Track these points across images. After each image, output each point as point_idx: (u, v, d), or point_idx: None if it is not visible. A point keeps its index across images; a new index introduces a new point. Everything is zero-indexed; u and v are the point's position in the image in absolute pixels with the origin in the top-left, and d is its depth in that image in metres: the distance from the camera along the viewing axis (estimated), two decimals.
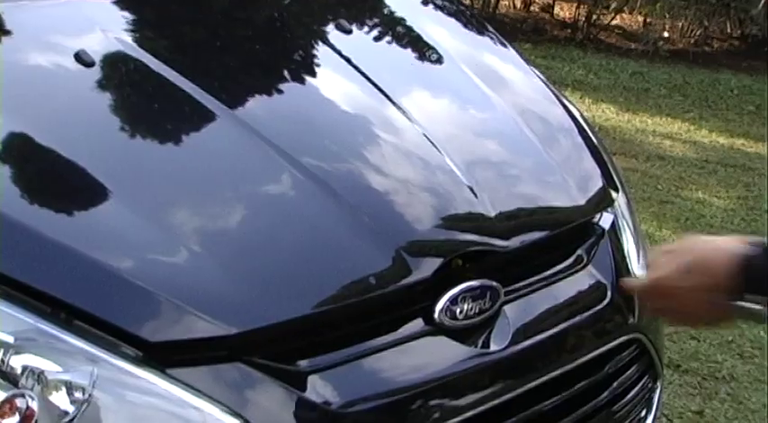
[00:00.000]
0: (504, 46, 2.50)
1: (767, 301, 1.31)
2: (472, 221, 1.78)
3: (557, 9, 7.62)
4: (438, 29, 2.45)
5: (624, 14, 7.66)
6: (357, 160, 1.84)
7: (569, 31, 7.28)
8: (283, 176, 1.72)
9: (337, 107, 2.05)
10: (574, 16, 7.40)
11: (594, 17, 7.28)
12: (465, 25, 2.70)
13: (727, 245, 1.32)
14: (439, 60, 2.31)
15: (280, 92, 2.15)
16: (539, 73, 2.45)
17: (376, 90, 2.04)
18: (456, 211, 1.82)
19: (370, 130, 1.99)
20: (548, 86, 2.38)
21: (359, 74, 2.08)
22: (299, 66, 2.28)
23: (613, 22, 7.52)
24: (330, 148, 1.87)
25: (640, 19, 7.66)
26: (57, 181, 1.64)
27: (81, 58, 1.84)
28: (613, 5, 7.38)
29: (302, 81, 2.19)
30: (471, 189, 1.83)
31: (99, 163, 1.62)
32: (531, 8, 7.59)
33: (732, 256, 1.29)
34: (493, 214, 1.78)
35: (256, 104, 2.04)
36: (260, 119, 1.85)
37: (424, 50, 2.37)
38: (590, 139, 2.21)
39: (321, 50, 2.25)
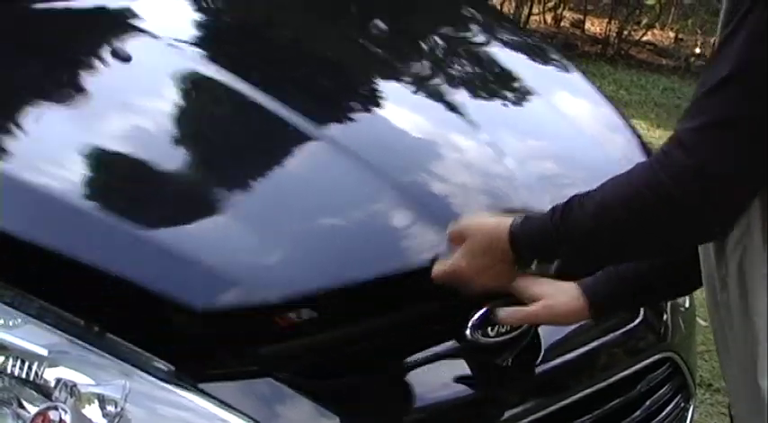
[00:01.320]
0: (569, 70, 2.49)
1: (549, 266, 1.49)
2: None
3: (587, 24, 7.59)
4: (512, 55, 2.47)
5: (655, 30, 7.62)
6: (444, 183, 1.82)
7: (600, 46, 7.25)
8: (380, 199, 1.71)
9: (419, 129, 2.03)
10: (605, 32, 7.37)
11: (625, 33, 7.25)
12: (531, 51, 2.66)
13: (505, 223, 1.42)
14: (520, 89, 2.31)
15: (366, 110, 2.13)
16: (605, 97, 2.43)
17: (456, 114, 2.03)
18: None
19: (452, 156, 1.96)
20: (614, 110, 2.34)
21: (437, 98, 2.08)
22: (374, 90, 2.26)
23: (644, 38, 7.47)
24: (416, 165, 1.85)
25: (672, 35, 7.62)
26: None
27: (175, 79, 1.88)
28: (644, 21, 7.36)
29: (377, 104, 2.17)
30: None
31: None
32: (562, 23, 7.56)
33: (507, 233, 1.40)
34: None
35: (346, 123, 2.02)
36: (349, 137, 1.85)
37: (500, 76, 2.37)
38: None
39: (397, 75, 2.24)
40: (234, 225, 1.57)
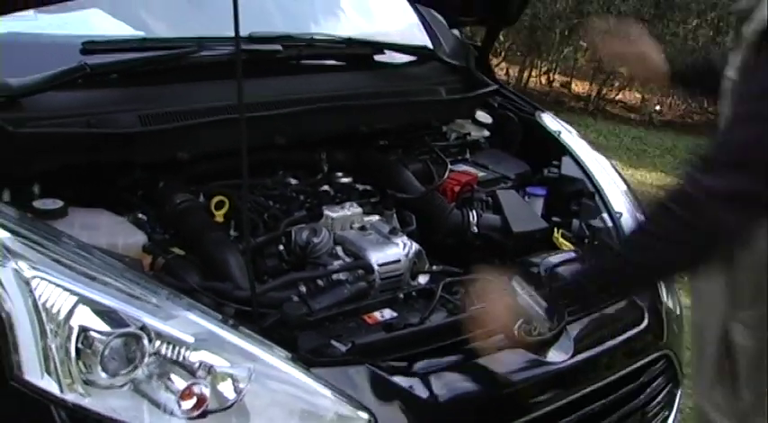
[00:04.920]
0: None
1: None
2: None
3: (573, 85, 7.58)
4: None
5: (626, 92, 7.60)
6: None
7: (583, 103, 7.23)
8: None
9: None
10: (587, 91, 7.36)
11: (603, 92, 7.24)
12: None
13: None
14: None
15: None
16: None
17: None
18: None
19: None
20: None
21: None
22: None
23: (618, 97, 7.46)
24: None
25: (638, 96, 7.60)
26: None
27: None
28: (617, 84, 7.34)
29: None
30: None
31: None
32: (553, 84, 7.56)
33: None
34: None
35: None
36: None
37: None
38: None
39: None
40: None
